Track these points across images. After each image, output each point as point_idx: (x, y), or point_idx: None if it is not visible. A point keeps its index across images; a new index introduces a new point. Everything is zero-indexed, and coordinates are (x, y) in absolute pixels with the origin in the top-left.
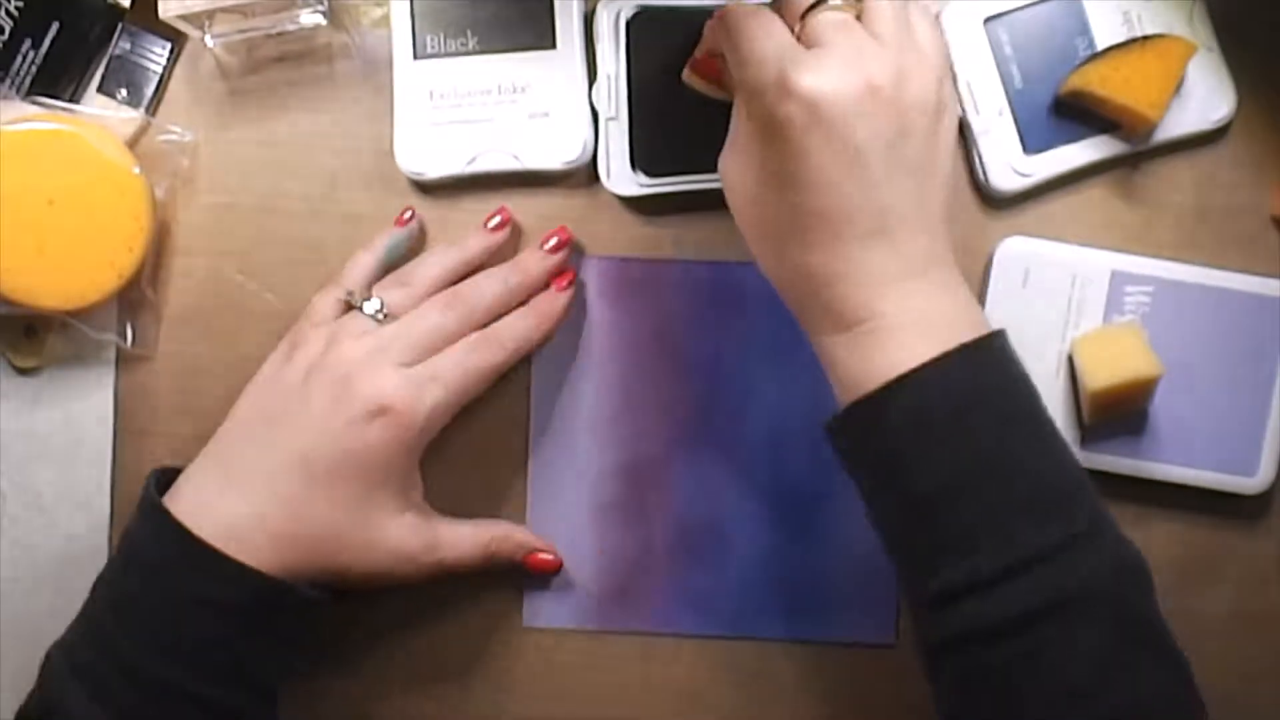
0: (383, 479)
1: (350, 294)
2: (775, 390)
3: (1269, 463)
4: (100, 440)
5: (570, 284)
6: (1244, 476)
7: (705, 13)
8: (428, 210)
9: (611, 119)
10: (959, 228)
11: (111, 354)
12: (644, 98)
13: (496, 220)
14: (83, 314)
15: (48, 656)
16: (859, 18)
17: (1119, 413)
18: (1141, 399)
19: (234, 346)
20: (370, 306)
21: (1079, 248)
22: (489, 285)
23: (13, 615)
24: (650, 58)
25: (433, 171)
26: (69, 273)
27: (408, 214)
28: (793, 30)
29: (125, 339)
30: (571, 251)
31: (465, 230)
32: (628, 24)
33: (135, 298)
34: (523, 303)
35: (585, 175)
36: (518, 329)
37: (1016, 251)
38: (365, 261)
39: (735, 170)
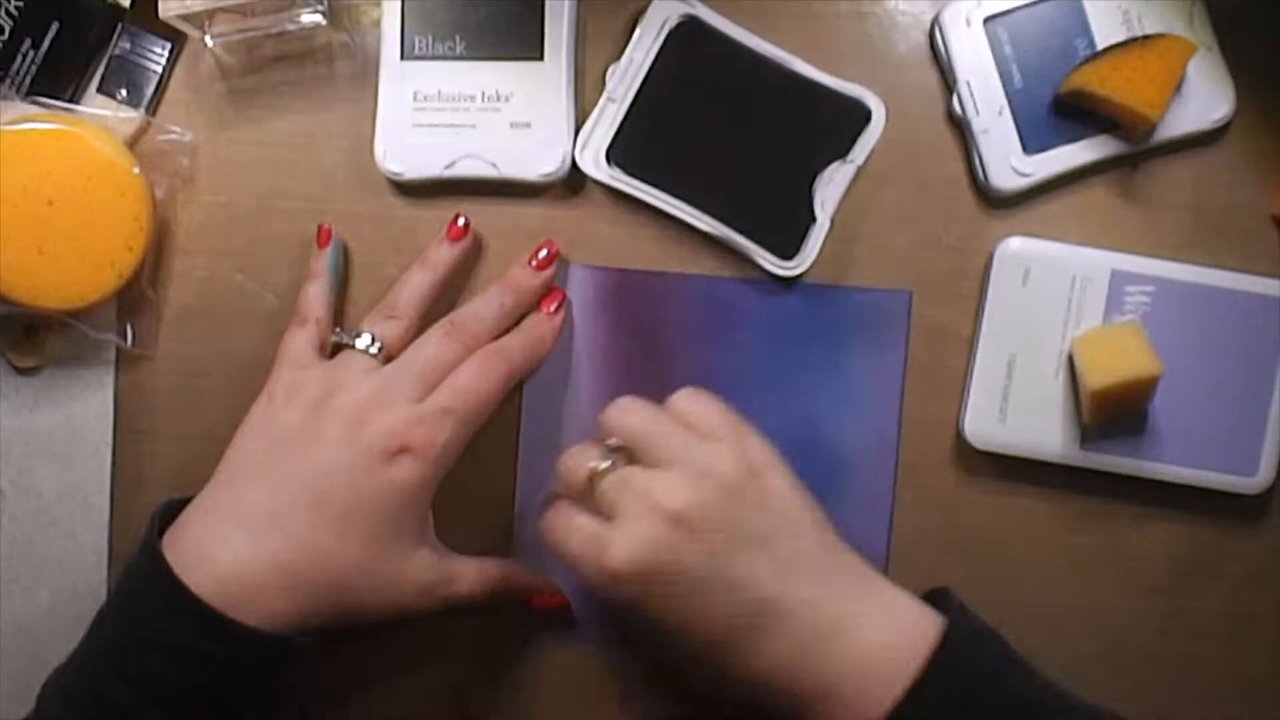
0: (401, 516)
1: (339, 334)
2: (766, 407)
3: (1269, 463)
4: (100, 440)
5: (560, 307)
6: (1244, 476)
7: (744, 49)
8: (404, 211)
9: (612, 100)
10: (959, 227)
11: (111, 354)
12: (650, 99)
13: (460, 225)
14: (83, 314)
15: (46, 682)
16: (633, 459)
17: (1119, 412)
18: (1141, 398)
19: (234, 346)
20: (361, 342)
21: (1079, 248)
22: (485, 310)
23: (13, 615)
24: (676, 68)
25: (410, 173)
26: (69, 273)
27: (326, 228)
28: (589, 505)
29: (125, 339)
30: (560, 265)
31: (435, 234)
32: (672, 30)
33: (135, 298)
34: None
35: (563, 188)
36: (521, 348)
37: (1016, 251)
38: (318, 290)
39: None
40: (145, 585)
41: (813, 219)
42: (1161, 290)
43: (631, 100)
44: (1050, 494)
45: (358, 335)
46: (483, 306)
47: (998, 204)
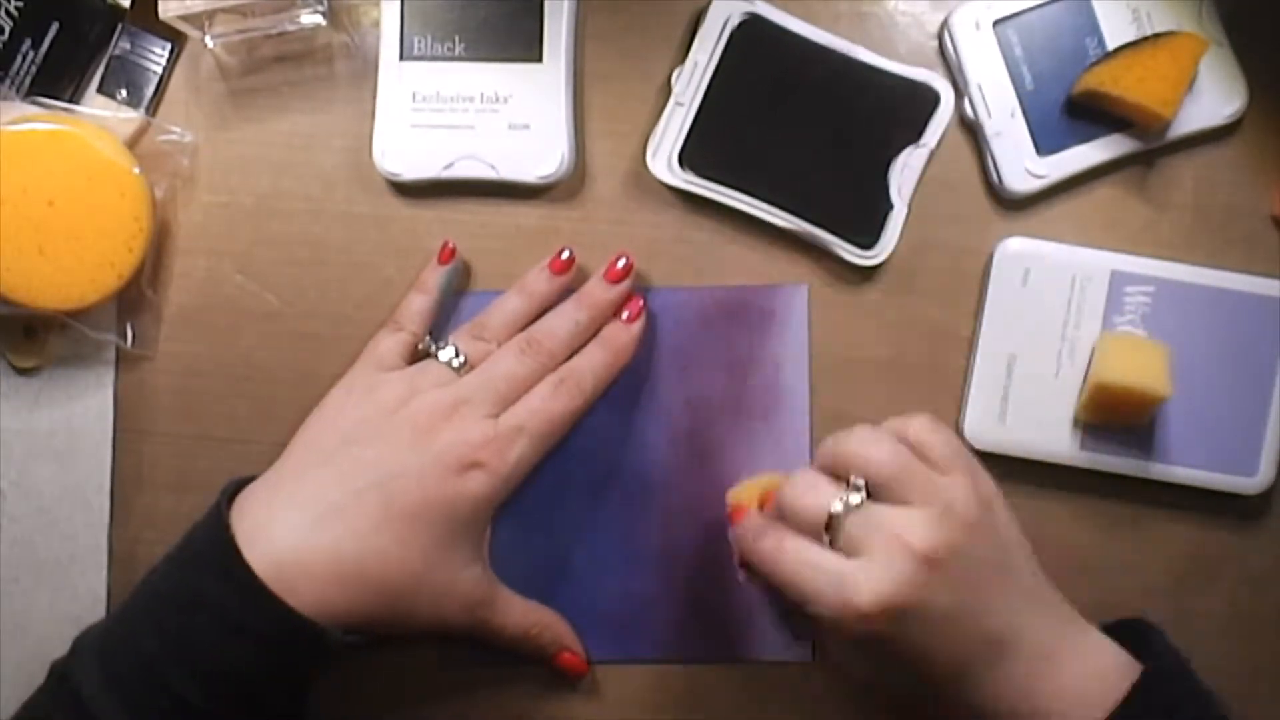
0: (464, 528)
1: (426, 342)
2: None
3: (1269, 463)
4: (100, 440)
5: (640, 314)
6: (1244, 476)
7: (807, 42)
8: (402, 212)
9: (680, 104)
10: (970, 228)
11: (111, 354)
12: (717, 100)
13: (565, 258)
14: (83, 314)
15: (89, 628)
16: (871, 494)
17: (1114, 419)
18: (1140, 415)
19: (234, 346)
20: (445, 354)
21: (1079, 248)
22: (561, 326)
23: (12, 615)
24: (741, 67)
25: (409, 173)
26: (69, 273)
27: (450, 246)
28: (823, 540)
29: (125, 339)
30: (636, 278)
31: (435, 234)
32: (734, 29)
33: (135, 298)
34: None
35: (562, 190)
36: (595, 367)
37: (1016, 252)
38: (422, 304)
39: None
40: (205, 547)
41: (890, 206)
42: (1161, 290)
43: (700, 103)
44: (1050, 494)
45: (443, 347)
46: (558, 322)
47: (1012, 205)
